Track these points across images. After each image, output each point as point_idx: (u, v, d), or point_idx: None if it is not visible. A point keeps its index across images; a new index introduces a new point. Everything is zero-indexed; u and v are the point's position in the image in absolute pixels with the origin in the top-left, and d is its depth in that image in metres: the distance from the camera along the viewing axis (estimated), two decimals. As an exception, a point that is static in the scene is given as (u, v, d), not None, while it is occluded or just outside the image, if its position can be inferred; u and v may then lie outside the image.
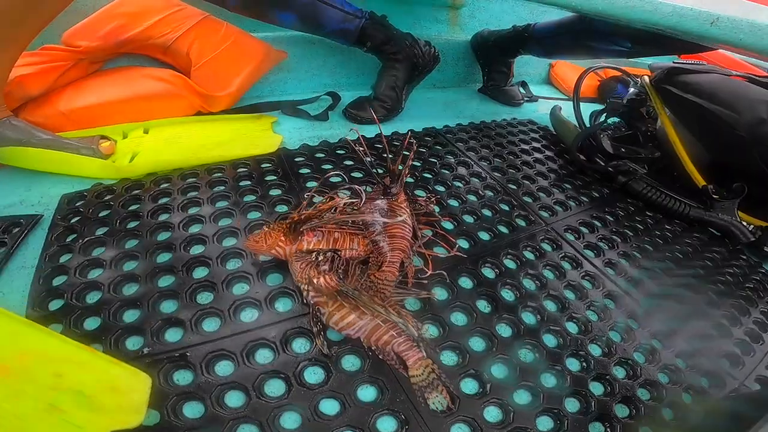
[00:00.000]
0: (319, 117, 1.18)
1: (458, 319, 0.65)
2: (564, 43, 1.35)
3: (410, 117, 1.27)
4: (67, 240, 0.69)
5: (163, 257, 0.67)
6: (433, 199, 0.78)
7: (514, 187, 0.97)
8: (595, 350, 0.64)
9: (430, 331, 0.62)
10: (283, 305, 0.62)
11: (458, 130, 1.22)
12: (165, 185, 0.83)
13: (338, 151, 0.99)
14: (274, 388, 0.52)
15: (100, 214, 0.75)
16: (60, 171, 0.87)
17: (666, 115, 1.08)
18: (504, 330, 0.65)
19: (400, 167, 0.75)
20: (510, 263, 0.77)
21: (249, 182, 0.86)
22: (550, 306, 0.70)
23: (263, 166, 0.91)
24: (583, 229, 0.89)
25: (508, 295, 0.71)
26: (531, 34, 1.39)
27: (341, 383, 0.53)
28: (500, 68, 1.52)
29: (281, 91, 1.29)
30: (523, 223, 0.86)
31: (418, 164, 0.99)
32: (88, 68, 1.08)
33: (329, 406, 0.51)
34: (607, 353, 0.64)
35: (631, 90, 1.20)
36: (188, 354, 0.54)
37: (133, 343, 0.55)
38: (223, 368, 0.54)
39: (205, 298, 0.62)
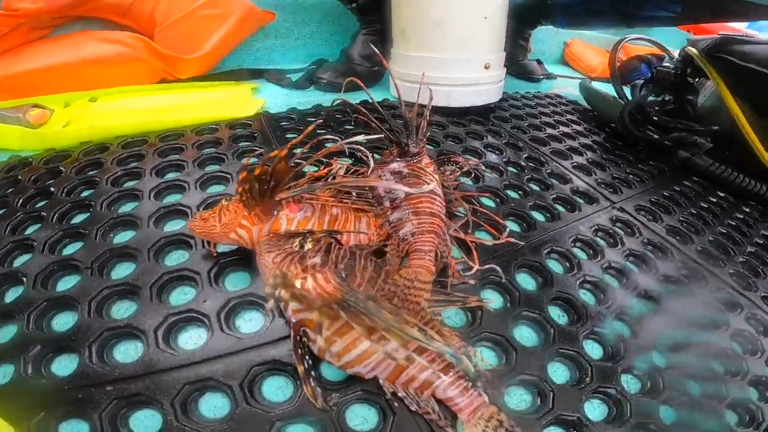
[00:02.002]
0: (298, 84, 0.94)
1: (525, 336, 0.41)
2: (597, 9, 1.13)
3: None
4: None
5: (72, 248, 0.43)
6: (464, 164, 0.53)
7: (561, 159, 0.73)
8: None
9: (487, 359, 0.38)
10: (247, 324, 0.38)
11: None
12: (98, 155, 0.59)
13: (337, 115, 0.74)
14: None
15: (3, 191, 0.51)
16: None
17: (725, 86, 0.86)
18: (593, 349, 0.41)
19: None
20: (580, 252, 0.52)
21: (213, 149, 0.61)
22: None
23: (236, 131, 0.67)
24: (658, 210, 0.65)
25: (588, 297, 0.46)
26: (555, 1, 1.17)
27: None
28: (518, 40, 1.29)
29: (267, 60, 1.05)
30: (582, 201, 0.62)
31: (437, 130, 0.75)
32: (29, 34, 0.84)
33: None
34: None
35: (666, 64, 0.99)
36: (81, 397, 0.29)
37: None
38: (142, 427, 0.29)
39: (121, 310, 0.37)
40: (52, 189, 0.51)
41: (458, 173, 0.53)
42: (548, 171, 0.67)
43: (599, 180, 0.69)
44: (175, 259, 0.42)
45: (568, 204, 0.61)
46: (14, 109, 0.66)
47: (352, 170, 0.48)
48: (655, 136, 0.89)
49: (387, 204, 0.44)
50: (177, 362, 0.33)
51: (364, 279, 0.36)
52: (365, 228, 0.43)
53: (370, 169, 0.47)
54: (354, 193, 0.45)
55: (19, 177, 0.53)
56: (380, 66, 0.97)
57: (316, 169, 0.48)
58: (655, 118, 0.90)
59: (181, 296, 0.39)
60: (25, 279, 0.39)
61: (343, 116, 0.74)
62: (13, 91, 0.77)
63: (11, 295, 0.38)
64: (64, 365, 0.33)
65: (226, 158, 0.58)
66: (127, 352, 0.34)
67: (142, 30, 0.93)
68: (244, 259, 0.42)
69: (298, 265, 0.35)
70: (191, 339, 0.36)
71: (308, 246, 0.37)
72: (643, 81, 1.02)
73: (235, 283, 0.41)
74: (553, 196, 0.61)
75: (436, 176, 0.48)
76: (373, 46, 0.50)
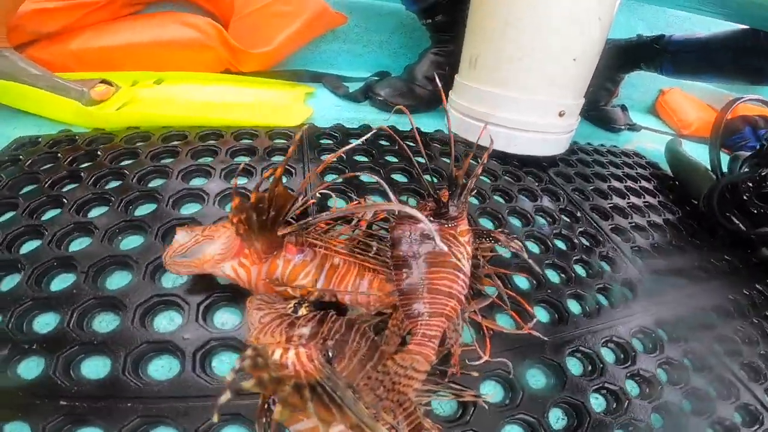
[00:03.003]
0: (353, 96, 0.90)
1: None
2: (716, 61, 0.99)
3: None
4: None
5: (77, 243, 0.42)
6: (506, 245, 0.46)
7: (619, 238, 0.64)
8: None
9: None
10: (224, 366, 0.35)
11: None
12: (137, 144, 0.59)
13: (381, 142, 0.70)
14: None
15: (37, 168, 0.52)
16: (35, 111, 0.68)
17: None
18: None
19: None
20: (608, 355, 0.45)
21: (246, 157, 0.59)
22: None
23: (274, 141, 0.64)
24: (716, 315, 0.54)
25: (599, 405, 0.39)
26: (664, 45, 1.05)
27: None
28: (605, 83, 1.17)
29: (331, 63, 1.03)
30: (631, 296, 0.53)
31: (486, 180, 0.68)
32: (122, 10, 0.88)
33: None
34: None
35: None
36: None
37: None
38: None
39: (103, 323, 0.36)
40: (82, 174, 0.51)
41: (492, 254, 0.47)
42: (602, 252, 0.59)
43: (655, 267, 0.59)
44: (172, 278, 0.40)
45: (613, 297, 0.52)
46: (81, 82, 0.68)
47: (375, 218, 0.44)
48: (742, 227, 0.76)
49: (404, 271, 0.39)
50: (138, 393, 0.31)
51: (353, 360, 0.31)
52: (366, 288, 0.38)
53: (396, 223, 0.42)
54: (375, 247, 0.40)
55: (59, 155, 0.54)
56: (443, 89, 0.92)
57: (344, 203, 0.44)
58: (746, 198, 0.77)
59: (164, 322, 0.37)
60: (22, 270, 0.38)
61: (390, 144, 0.69)
62: (88, 64, 0.81)
63: (7, 283, 0.38)
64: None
65: (255, 173, 0.56)
66: (95, 368, 0.33)
67: (222, 15, 0.95)
68: (235, 298, 0.39)
69: (284, 333, 0.31)
70: (162, 368, 0.34)
71: (302, 311, 0.34)
72: (749, 154, 0.88)
73: (222, 320, 0.38)
74: (600, 285, 0.53)
75: (469, 248, 0.42)
76: (436, 74, 0.44)
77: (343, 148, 0.37)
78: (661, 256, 0.62)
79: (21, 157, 0.55)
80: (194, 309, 0.37)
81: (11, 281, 0.38)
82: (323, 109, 0.82)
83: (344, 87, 0.91)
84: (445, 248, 0.39)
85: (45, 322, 0.35)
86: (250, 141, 0.64)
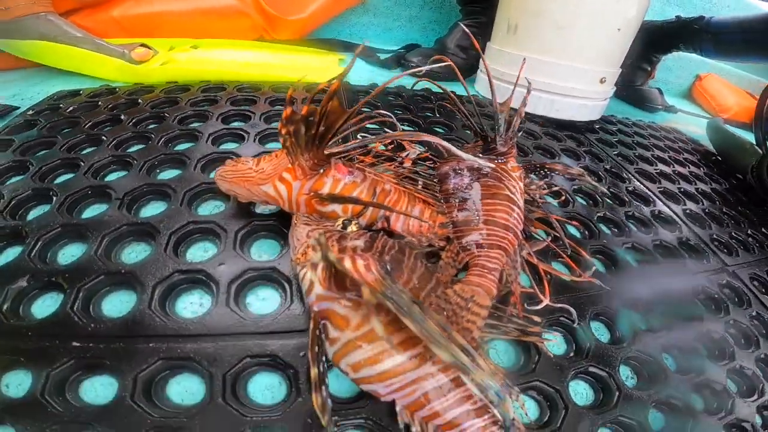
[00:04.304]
0: (385, 63, 0.87)
1: (580, 393, 0.31)
2: (761, 41, 0.92)
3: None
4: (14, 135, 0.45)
5: (114, 175, 0.40)
6: (562, 172, 0.42)
7: (672, 202, 0.59)
8: None
9: (529, 411, 0.29)
10: (258, 303, 0.31)
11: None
12: (177, 95, 0.57)
13: (417, 99, 0.67)
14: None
15: (78, 114, 0.51)
16: (79, 70, 0.68)
17: None
18: (656, 420, 0.30)
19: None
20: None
21: (283, 107, 0.57)
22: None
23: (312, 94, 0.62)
24: None
25: (669, 362, 0.35)
26: (704, 26, 0.98)
27: None
28: (642, 63, 1.10)
29: (361, 35, 1.00)
30: (688, 255, 0.48)
31: (529, 140, 0.64)
32: None
33: None
34: None
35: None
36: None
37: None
38: (92, 393, 0.25)
39: (132, 254, 0.33)
40: (122, 117, 0.49)
41: (546, 190, 0.43)
42: (654, 211, 0.54)
43: (713, 236, 0.53)
44: (209, 209, 0.38)
45: (670, 254, 0.47)
46: (122, 46, 0.67)
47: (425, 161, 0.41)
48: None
49: (456, 200, 0.36)
50: (161, 330, 0.27)
51: (412, 279, 0.28)
52: (417, 214, 0.35)
53: (444, 161, 0.39)
54: (420, 183, 0.37)
55: (99, 103, 0.53)
56: (474, 60, 0.87)
57: (384, 148, 0.41)
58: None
59: (200, 252, 0.34)
60: (54, 198, 0.36)
61: (426, 102, 0.66)
62: (128, 31, 0.79)
63: (35, 212, 0.36)
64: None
65: (298, 103, 0.53)
66: (117, 306, 0.29)
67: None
68: (277, 226, 0.36)
69: (335, 244, 0.28)
70: (191, 305, 0.30)
71: (351, 228, 0.31)
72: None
73: (261, 250, 0.35)
74: (656, 241, 0.48)
75: (521, 184, 0.38)
76: (471, 35, 0.41)
77: (400, 74, 0.33)
78: (715, 222, 0.57)
79: (61, 105, 0.53)
80: (231, 237, 0.34)
81: (40, 210, 0.36)
82: (357, 73, 0.79)
83: (376, 56, 0.88)
84: (491, 165, 0.35)
85: (71, 253, 0.32)
86: (287, 94, 0.62)
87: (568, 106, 0.71)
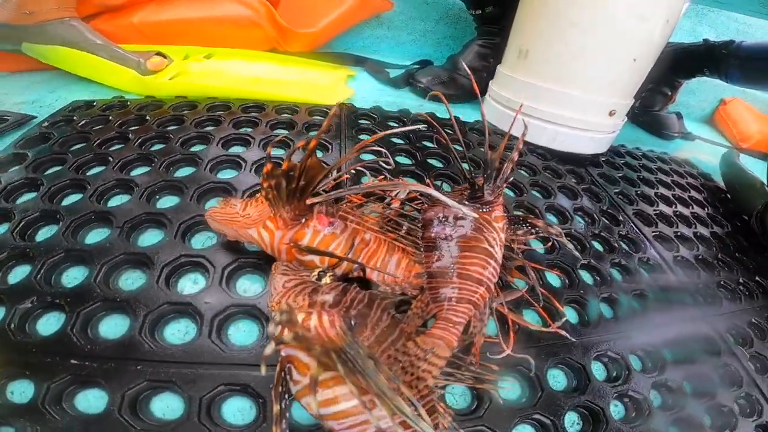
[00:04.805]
0: (394, 82, 0.87)
1: None
2: None
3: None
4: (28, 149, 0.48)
5: (116, 200, 0.43)
6: (544, 231, 0.42)
7: (665, 247, 0.58)
8: None
9: None
10: (240, 335, 0.34)
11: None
12: (184, 112, 0.59)
13: (420, 128, 0.67)
14: None
15: (89, 128, 0.54)
16: (96, 78, 0.71)
17: None
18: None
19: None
20: (636, 362, 0.41)
21: (285, 130, 0.59)
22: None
23: (314, 117, 0.63)
24: (754, 334, 0.49)
25: (617, 410, 0.36)
26: (734, 51, 0.94)
27: None
28: (663, 88, 1.07)
29: (374, 49, 1.00)
30: (667, 305, 0.48)
31: (525, 174, 0.64)
32: None
33: None
34: None
35: None
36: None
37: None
38: (83, 406, 0.27)
39: (129, 280, 0.36)
40: (130, 136, 0.52)
41: (531, 237, 0.43)
42: (643, 257, 0.54)
43: (699, 285, 0.54)
44: (201, 241, 0.40)
45: (643, 299, 0.48)
46: (139, 53, 0.69)
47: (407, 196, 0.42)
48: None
49: (435, 252, 0.37)
50: (149, 356, 0.30)
51: (374, 333, 0.30)
52: (394, 267, 0.36)
53: (428, 204, 0.40)
54: (405, 227, 0.38)
55: (110, 118, 0.55)
56: (485, 82, 0.87)
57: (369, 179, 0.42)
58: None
59: (189, 283, 0.36)
60: (60, 222, 0.38)
61: (427, 129, 0.67)
62: (147, 36, 0.82)
63: (44, 234, 0.39)
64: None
65: (292, 145, 0.55)
66: (112, 329, 0.32)
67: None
68: (260, 265, 0.38)
69: (306, 298, 0.30)
70: (178, 333, 0.33)
71: (326, 281, 0.32)
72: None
73: (246, 286, 0.37)
74: (636, 291, 0.48)
75: (502, 236, 0.39)
76: (472, 79, 0.41)
77: (381, 133, 0.34)
78: (706, 269, 0.56)
79: (75, 117, 0.56)
80: (219, 272, 0.36)
81: (48, 232, 0.38)
82: (364, 91, 0.79)
83: (386, 72, 0.89)
84: (475, 216, 0.36)
85: (73, 276, 0.35)
86: (290, 116, 0.63)
87: (574, 139, 0.70)
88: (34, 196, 0.41)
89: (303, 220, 0.34)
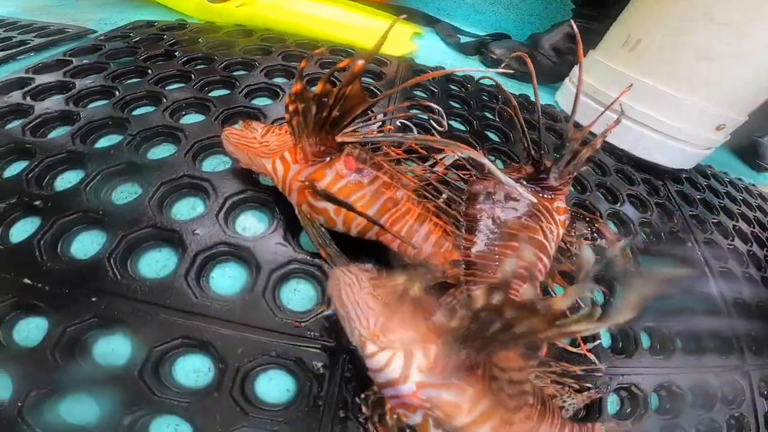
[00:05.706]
0: (464, 48, 0.78)
1: None
2: None
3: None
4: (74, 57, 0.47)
5: (140, 111, 0.40)
6: (606, 236, 0.35)
7: (725, 284, 0.48)
8: None
9: None
10: (223, 281, 0.29)
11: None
12: (236, 39, 0.56)
13: (483, 95, 0.59)
14: None
15: (140, 44, 0.52)
16: (165, 2, 0.69)
17: None
18: None
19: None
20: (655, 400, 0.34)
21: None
22: None
23: (369, 65, 0.57)
24: None
25: None
26: None
27: None
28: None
29: (449, 12, 0.91)
30: (709, 345, 0.39)
31: (595, 175, 0.55)
32: None
33: None
34: None
35: None
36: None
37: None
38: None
39: (123, 193, 0.32)
40: (176, 53, 0.49)
41: (585, 243, 0.36)
42: (703, 294, 0.45)
43: (753, 331, 0.44)
44: (212, 165, 0.36)
45: (693, 341, 0.39)
46: None
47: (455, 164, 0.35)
48: None
49: (477, 238, 0.30)
50: (108, 285, 0.26)
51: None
52: (421, 239, 0.29)
53: (480, 177, 0.33)
54: (445, 195, 0.32)
55: (164, 36, 0.54)
56: (566, 68, 0.76)
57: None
58: None
59: (186, 209, 0.32)
60: (76, 122, 0.37)
61: (491, 100, 0.58)
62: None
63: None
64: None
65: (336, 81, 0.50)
66: (85, 246, 0.28)
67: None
68: (276, 200, 0.33)
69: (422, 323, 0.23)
70: (156, 264, 0.29)
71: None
72: None
73: (248, 224, 0.32)
74: (680, 327, 0.40)
75: (561, 230, 0.32)
76: (579, 40, 0.33)
77: (442, 72, 0.27)
78: (762, 320, 0.47)
79: (131, 34, 0.55)
80: (220, 201, 0.32)
81: (60, 132, 0.36)
82: (428, 51, 0.72)
83: (456, 37, 0.80)
84: (534, 200, 0.29)
85: (67, 180, 0.32)
86: (343, 58, 0.58)
87: (661, 147, 0.59)
88: (60, 98, 0.39)
89: (327, 159, 0.28)
